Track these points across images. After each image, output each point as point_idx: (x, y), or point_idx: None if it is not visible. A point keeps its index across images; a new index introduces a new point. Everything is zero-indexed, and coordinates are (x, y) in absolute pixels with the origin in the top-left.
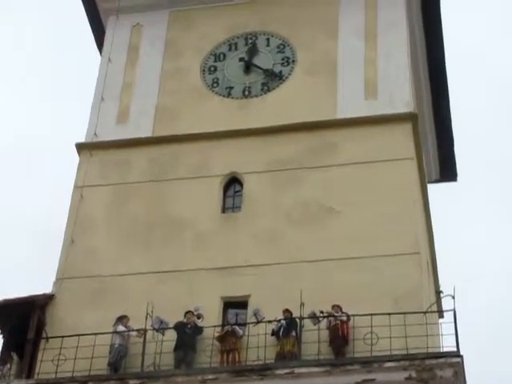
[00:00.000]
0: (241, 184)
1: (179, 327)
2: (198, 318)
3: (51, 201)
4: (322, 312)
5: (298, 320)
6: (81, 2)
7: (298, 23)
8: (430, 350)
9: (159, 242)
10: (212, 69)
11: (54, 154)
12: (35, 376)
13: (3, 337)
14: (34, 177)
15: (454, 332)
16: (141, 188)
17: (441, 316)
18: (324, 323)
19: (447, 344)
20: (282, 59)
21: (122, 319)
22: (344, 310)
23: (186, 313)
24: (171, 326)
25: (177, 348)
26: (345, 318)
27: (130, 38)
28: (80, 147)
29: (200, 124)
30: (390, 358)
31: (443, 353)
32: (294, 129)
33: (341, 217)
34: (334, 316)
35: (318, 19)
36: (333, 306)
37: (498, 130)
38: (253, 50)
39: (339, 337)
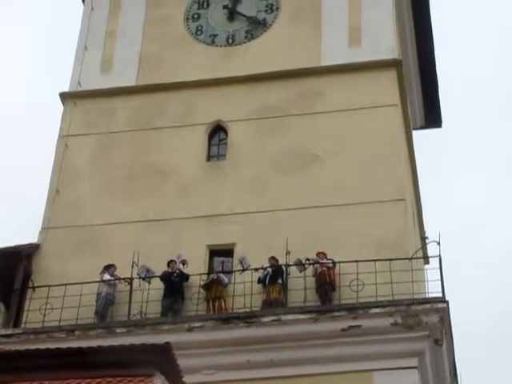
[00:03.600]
0: (225, 132)
1: (165, 277)
2: (183, 264)
3: (36, 150)
4: (307, 259)
5: (283, 267)
6: None
7: None
8: (415, 296)
9: (144, 191)
10: (195, 16)
11: (37, 104)
12: (22, 325)
13: None
14: (18, 127)
15: (439, 278)
16: (125, 137)
17: (426, 262)
18: (310, 270)
19: (433, 290)
20: (266, 6)
21: (108, 268)
22: (329, 257)
23: (169, 262)
24: (157, 274)
25: (164, 296)
26: (331, 265)
27: None
28: (64, 96)
29: (184, 72)
30: (376, 305)
31: (429, 298)
32: (278, 76)
33: (326, 164)
34: (319, 263)
35: None
36: (317, 253)
37: (483, 75)
38: None
39: (326, 283)
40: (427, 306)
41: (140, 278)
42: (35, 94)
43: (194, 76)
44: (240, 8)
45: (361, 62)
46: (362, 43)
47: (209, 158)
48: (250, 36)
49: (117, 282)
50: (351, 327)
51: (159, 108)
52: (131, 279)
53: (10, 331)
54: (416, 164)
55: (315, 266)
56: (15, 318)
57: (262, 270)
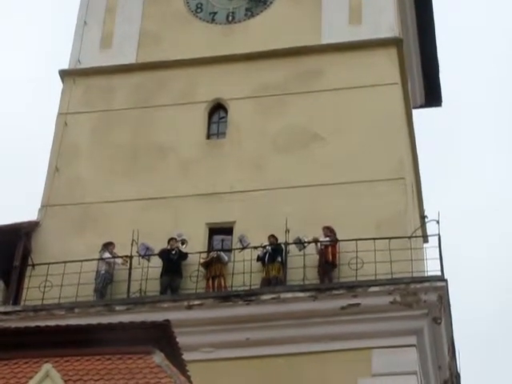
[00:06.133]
0: (225, 110)
1: (164, 254)
2: (183, 243)
3: (36, 128)
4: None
5: (283, 246)
6: None
7: None
8: (414, 275)
9: (144, 169)
10: None
11: (37, 82)
12: (22, 303)
13: None
14: (18, 105)
15: (438, 257)
16: (125, 115)
17: (426, 241)
18: (312, 248)
19: (432, 269)
20: None
21: (107, 246)
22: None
23: (170, 240)
24: (157, 252)
25: (163, 274)
26: (328, 243)
27: None
28: (63, 74)
29: (184, 50)
30: (375, 283)
31: (428, 277)
32: (278, 54)
33: (326, 142)
34: (319, 241)
35: None
36: (323, 228)
37: (484, 54)
38: None
39: (327, 262)
40: (426, 284)
41: (139, 255)
42: (36, 70)
43: (193, 54)
44: None
45: (361, 40)
46: (362, 21)
47: (209, 136)
48: (250, 14)
49: (116, 259)
50: (350, 305)
51: (159, 86)
52: (131, 257)
53: (9, 308)
54: (416, 143)
55: (317, 243)
56: (15, 296)
57: (261, 249)
